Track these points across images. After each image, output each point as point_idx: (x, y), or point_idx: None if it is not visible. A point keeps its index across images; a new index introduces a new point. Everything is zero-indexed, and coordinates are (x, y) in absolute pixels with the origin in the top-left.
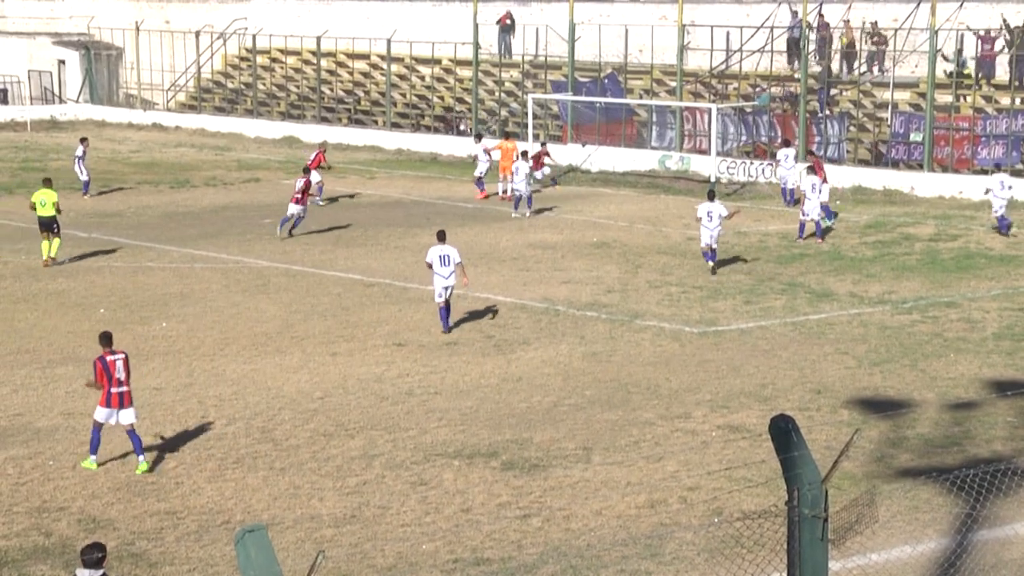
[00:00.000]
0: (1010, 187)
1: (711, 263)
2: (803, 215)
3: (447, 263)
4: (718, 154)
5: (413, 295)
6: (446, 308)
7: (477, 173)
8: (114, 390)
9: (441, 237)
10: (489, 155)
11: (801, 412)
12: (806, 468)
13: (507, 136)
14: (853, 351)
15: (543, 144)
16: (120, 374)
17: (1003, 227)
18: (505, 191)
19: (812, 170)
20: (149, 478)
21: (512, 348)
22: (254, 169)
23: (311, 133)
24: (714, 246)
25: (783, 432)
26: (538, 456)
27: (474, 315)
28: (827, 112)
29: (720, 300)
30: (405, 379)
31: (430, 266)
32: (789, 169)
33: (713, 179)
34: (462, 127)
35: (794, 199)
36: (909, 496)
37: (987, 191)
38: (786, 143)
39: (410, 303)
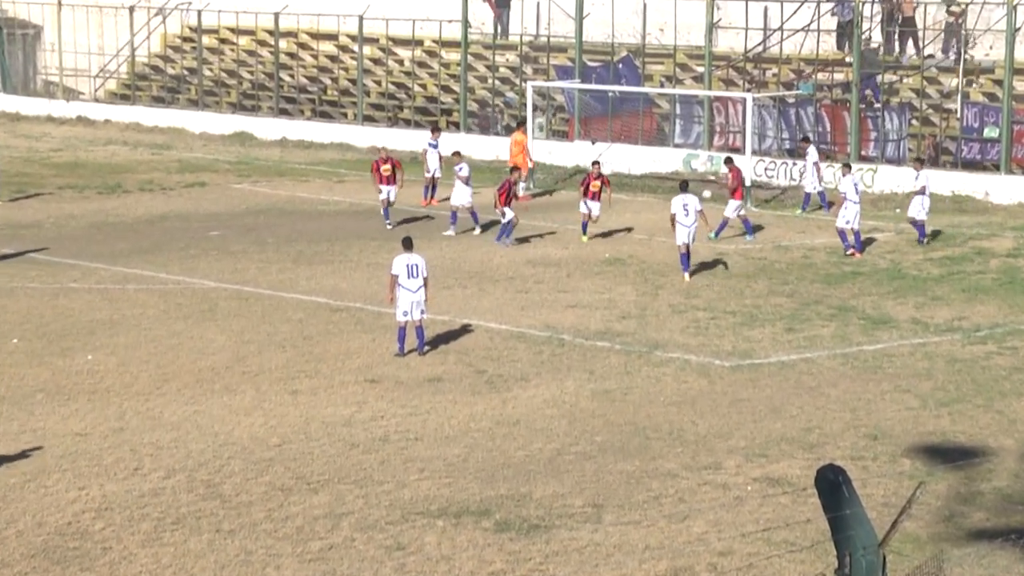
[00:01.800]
0: None
1: (686, 272)
2: (844, 223)
3: (416, 274)
4: (754, 153)
5: (389, 322)
6: (419, 331)
7: (429, 174)
8: None
9: (407, 245)
10: (429, 155)
11: (854, 462)
12: (860, 529)
13: (519, 126)
14: (916, 388)
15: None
16: None
17: None
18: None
19: (848, 168)
20: (71, 542)
21: (508, 385)
22: (199, 171)
23: (267, 128)
24: (691, 245)
25: (832, 486)
26: (539, 515)
27: (463, 346)
28: (883, 102)
29: (757, 327)
30: (379, 422)
31: (395, 279)
32: (807, 171)
33: (748, 182)
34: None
35: (826, 202)
36: (984, 563)
37: None
38: (805, 139)
39: (385, 331)
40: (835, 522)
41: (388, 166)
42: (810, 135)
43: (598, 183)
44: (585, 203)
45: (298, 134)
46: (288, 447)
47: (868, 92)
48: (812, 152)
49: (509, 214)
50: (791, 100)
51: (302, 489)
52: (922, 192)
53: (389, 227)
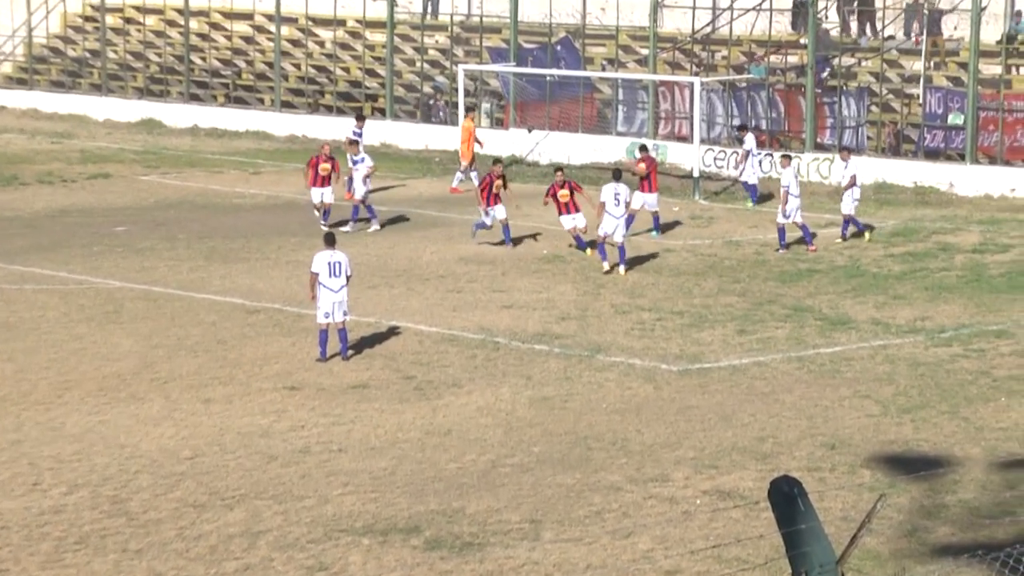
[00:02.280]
0: None
1: (611, 264)
2: (783, 217)
3: (338, 272)
4: (703, 142)
5: (309, 324)
6: (342, 334)
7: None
8: None
9: (329, 241)
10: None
11: (810, 473)
12: (817, 545)
13: (467, 112)
14: (877, 394)
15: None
16: None
17: None
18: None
19: (788, 159)
20: None
21: (439, 392)
22: (103, 162)
23: (177, 115)
24: (620, 240)
25: (787, 499)
26: (472, 532)
27: (389, 350)
28: (840, 87)
29: (706, 329)
30: (300, 433)
31: (315, 277)
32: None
33: (696, 172)
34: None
35: (756, 197)
36: None
37: None
38: (742, 127)
39: (306, 335)
40: (790, 538)
41: (327, 165)
42: (747, 122)
43: (566, 192)
44: (562, 219)
45: (211, 121)
46: (201, 460)
47: (825, 76)
48: (750, 140)
49: (500, 213)
50: (742, 84)
51: (216, 505)
52: (852, 184)
53: (346, 230)
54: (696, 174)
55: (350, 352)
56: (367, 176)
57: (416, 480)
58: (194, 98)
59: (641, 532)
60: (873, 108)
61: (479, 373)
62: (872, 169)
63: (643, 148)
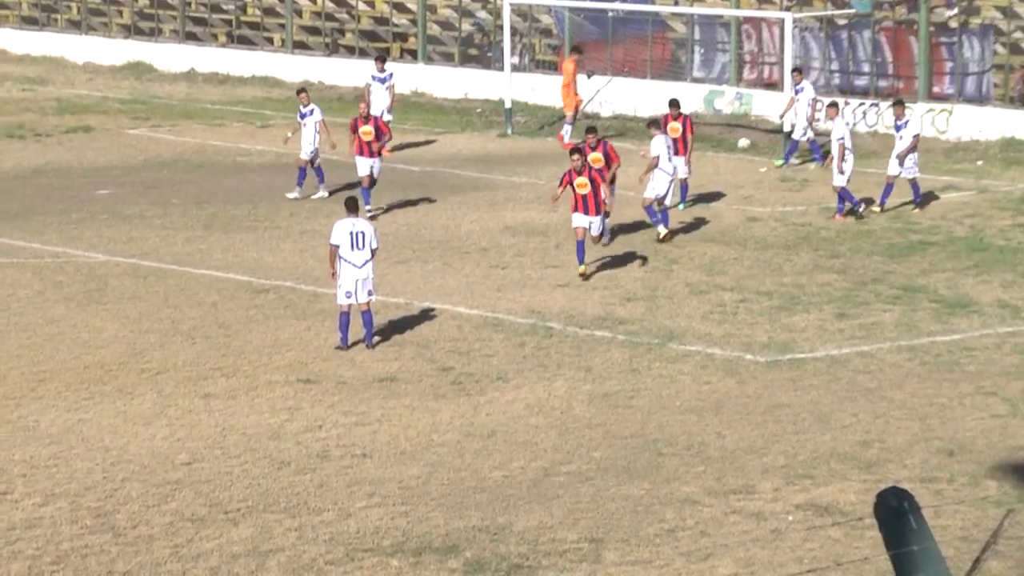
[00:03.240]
0: None
1: (662, 229)
2: (841, 177)
3: (361, 245)
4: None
5: (328, 306)
6: (366, 317)
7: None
8: None
9: (351, 207)
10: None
11: (924, 484)
12: (931, 569)
13: (572, 52)
14: (1003, 391)
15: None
16: None
17: None
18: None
19: (836, 108)
20: None
21: (481, 387)
22: (83, 112)
23: (170, 57)
24: (670, 204)
25: (896, 515)
26: (521, 552)
27: (423, 336)
28: (960, 24)
29: (799, 313)
30: (316, 434)
31: (336, 250)
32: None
33: (787, 127)
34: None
35: (820, 152)
36: None
37: None
38: (797, 71)
39: (324, 318)
40: (900, 561)
41: (369, 128)
42: (801, 65)
43: (585, 182)
44: (574, 217)
45: (210, 65)
46: (199, 466)
47: (946, 10)
48: (807, 88)
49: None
50: (842, 22)
51: (218, 520)
52: (913, 148)
53: (370, 213)
54: (787, 128)
55: (376, 338)
56: (316, 133)
57: (454, 491)
58: (190, 37)
59: (722, 554)
60: (999, 49)
61: (528, 364)
62: (997, 123)
63: (674, 103)
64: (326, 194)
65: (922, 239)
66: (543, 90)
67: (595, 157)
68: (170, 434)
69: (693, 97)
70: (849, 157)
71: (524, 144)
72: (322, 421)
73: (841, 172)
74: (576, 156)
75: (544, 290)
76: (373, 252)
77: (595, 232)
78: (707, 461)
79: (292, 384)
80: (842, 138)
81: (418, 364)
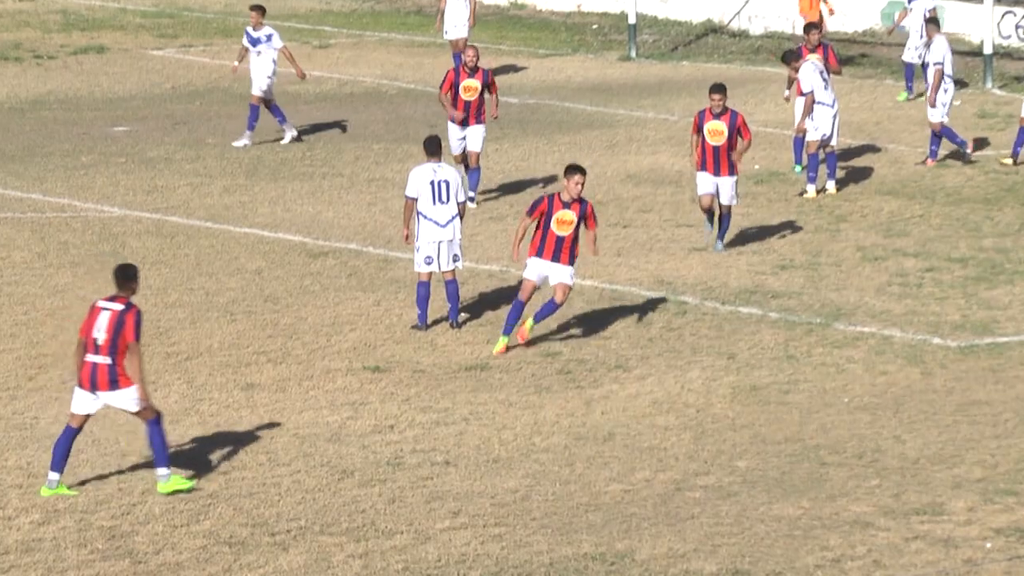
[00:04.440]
0: None
1: (831, 185)
2: (938, 111)
3: (446, 198)
4: (999, 1)
5: (403, 274)
6: (451, 289)
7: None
8: (89, 358)
9: (432, 148)
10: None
11: None
12: None
13: None
14: None
15: None
16: (100, 334)
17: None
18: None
19: (936, 25)
20: None
21: (595, 378)
22: (95, 29)
23: None
24: (835, 143)
25: None
26: None
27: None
28: None
29: (1001, 285)
30: (386, 436)
31: (413, 204)
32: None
33: (988, 48)
34: None
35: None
36: None
37: None
38: None
39: (397, 289)
40: None
41: (475, 82)
42: None
43: (570, 216)
44: (529, 263)
45: None
46: (240, 475)
47: None
48: None
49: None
50: None
51: (262, 544)
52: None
53: (473, 204)
54: (988, 50)
55: (463, 316)
56: (274, 64)
57: (561, 509)
58: None
59: None
60: None
61: (656, 349)
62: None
63: (812, 27)
64: (294, 133)
65: None
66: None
67: (563, 220)
68: (202, 434)
69: (866, 12)
70: (949, 86)
71: (652, 69)
72: (394, 420)
73: (933, 105)
74: (573, 174)
75: (676, 255)
76: (461, 207)
77: (560, 281)
78: (883, 473)
79: (356, 373)
80: (940, 63)
81: (517, 348)
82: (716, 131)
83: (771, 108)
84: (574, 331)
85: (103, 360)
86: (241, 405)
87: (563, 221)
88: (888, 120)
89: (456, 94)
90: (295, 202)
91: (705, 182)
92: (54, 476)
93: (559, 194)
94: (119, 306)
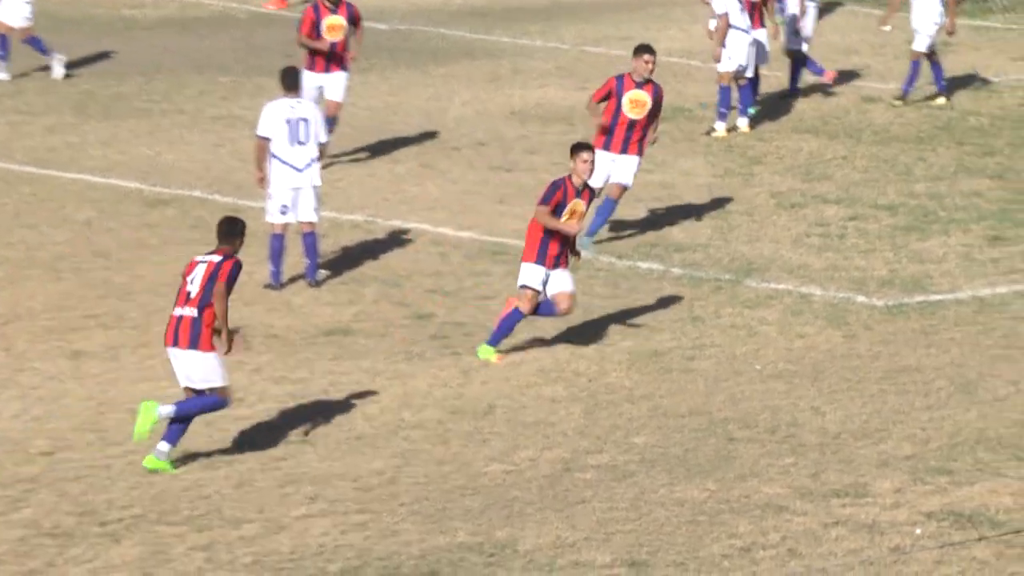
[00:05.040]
0: None
1: (742, 122)
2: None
3: (303, 137)
4: None
5: (253, 226)
6: (309, 242)
7: None
8: (177, 311)
9: (290, 82)
10: None
11: None
12: None
13: None
14: None
15: None
16: (193, 286)
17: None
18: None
19: None
20: None
21: (474, 343)
22: None
23: None
24: (751, 74)
25: None
26: None
27: (390, 270)
28: None
29: (935, 236)
30: (235, 411)
31: (266, 145)
32: None
33: None
34: None
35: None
36: None
37: None
38: None
39: (246, 243)
40: None
41: (338, 18)
42: None
43: (583, 207)
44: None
45: None
46: (65, 457)
47: None
48: None
49: None
50: None
51: (91, 534)
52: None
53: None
54: None
55: (323, 273)
56: None
57: (434, 493)
58: None
59: None
60: None
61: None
62: None
63: None
64: (62, 70)
65: None
66: None
67: (638, 99)
68: (22, 411)
69: None
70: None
71: None
72: (243, 392)
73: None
74: (579, 151)
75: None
76: (321, 148)
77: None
78: (799, 450)
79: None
80: None
81: (383, 310)
82: (639, 102)
83: (675, 34)
84: (450, 290)
85: (189, 312)
86: (67, 376)
87: (577, 212)
88: (810, 48)
89: (318, 34)
90: (130, 143)
91: (601, 165)
92: (165, 447)
93: (569, 178)
94: (217, 257)
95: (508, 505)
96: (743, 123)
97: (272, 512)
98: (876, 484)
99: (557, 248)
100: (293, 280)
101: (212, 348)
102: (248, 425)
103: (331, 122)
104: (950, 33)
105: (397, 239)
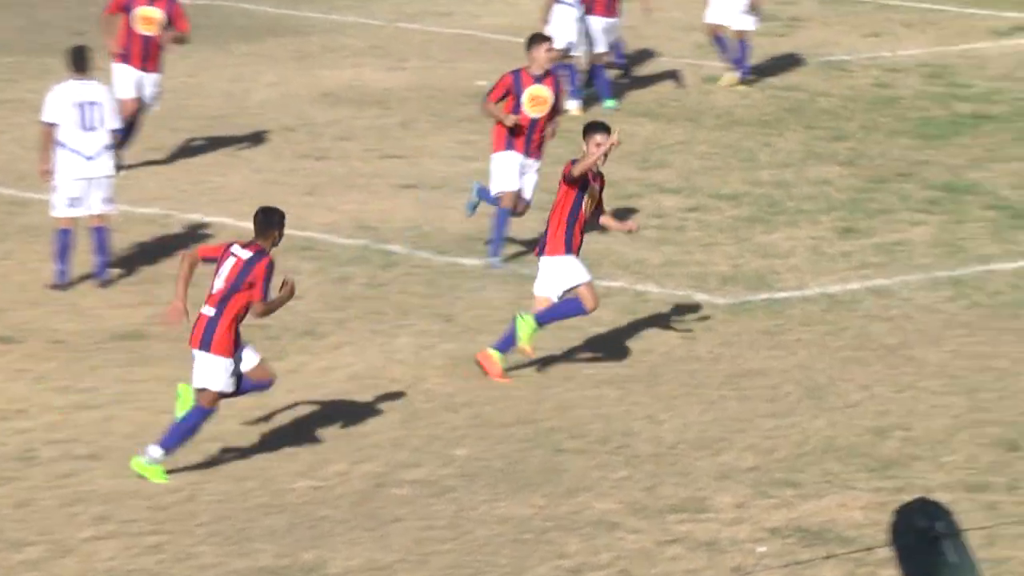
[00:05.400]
0: None
1: (573, 95)
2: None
3: (93, 123)
4: None
5: (38, 220)
6: (99, 237)
7: None
8: (204, 310)
9: (79, 63)
10: None
11: (972, 495)
12: None
13: None
14: None
15: None
16: (219, 281)
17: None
18: None
19: None
20: None
21: (281, 347)
22: None
23: None
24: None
25: (926, 542)
26: None
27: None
28: None
29: (781, 228)
30: (15, 424)
31: (51, 130)
32: None
33: None
34: None
35: None
36: None
37: None
38: None
39: (29, 239)
40: None
41: (154, 10)
42: None
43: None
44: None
45: None
46: None
47: None
48: None
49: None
50: None
51: None
52: None
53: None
54: None
55: (114, 272)
56: None
57: (235, 511)
58: None
59: None
60: None
61: (355, 311)
62: None
63: None
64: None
65: (975, 111)
66: None
67: (539, 95)
68: None
69: None
70: None
71: None
72: (25, 403)
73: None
74: (595, 134)
75: (381, 194)
76: (114, 135)
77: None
78: (633, 462)
79: None
80: None
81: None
82: (540, 98)
83: (501, 9)
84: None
85: (207, 311)
86: None
87: (594, 198)
88: (644, 24)
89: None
90: None
91: (511, 169)
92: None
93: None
94: (248, 253)
95: (316, 524)
96: (573, 105)
97: (57, 534)
98: (716, 498)
99: (581, 237)
100: (81, 279)
101: (226, 354)
102: (31, 439)
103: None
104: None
105: (196, 234)
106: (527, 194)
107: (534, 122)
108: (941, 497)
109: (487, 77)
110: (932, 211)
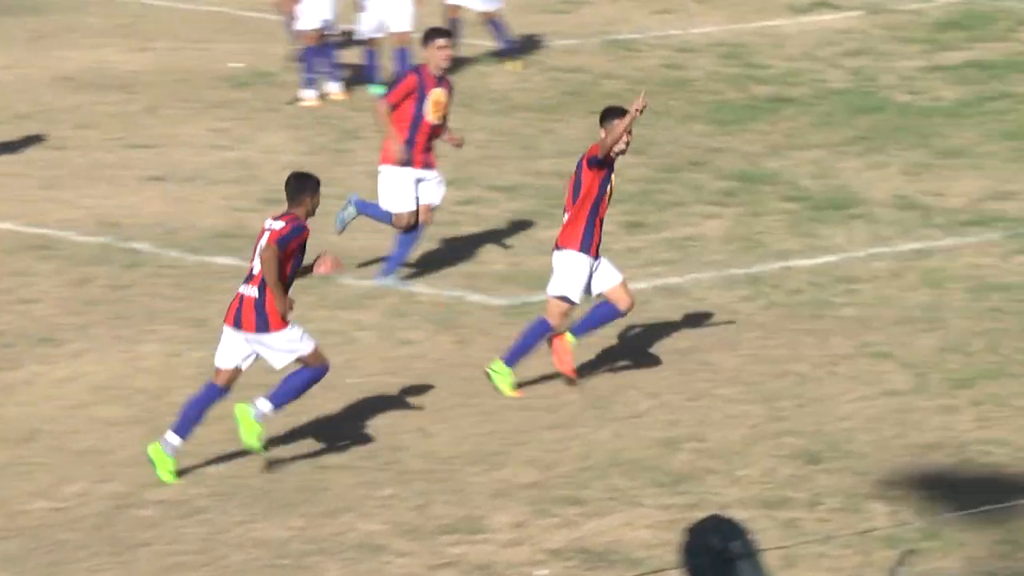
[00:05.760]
0: None
1: (333, 77)
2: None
3: None
4: None
5: None
6: None
7: None
8: (242, 289)
9: None
10: None
11: (769, 512)
12: None
13: None
14: (906, 349)
15: None
16: (257, 260)
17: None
18: None
19: None
20: None
21: (14, 356)
22: None
23: None
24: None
25: (719, 562)
26: None
27: None
28: None
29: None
30: None
31: None
32: None
33: None
34: None
35: None
36: None
37: None
38: None
39: None
40: None
41: None
42: None
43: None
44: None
45: None
46: None
47: None
48: None
49: None
50: None
51: None
52: None
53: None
54: None
55: None
56: None
57: None
58: None
59: None
60: None
61: (96, 316)
62: None
63: None
64: None
65: (774, 93)
66: None
67: (440, 99)
68: None
69: None
70: None
71: None
72: None
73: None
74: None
75: (127, 187)
76: None
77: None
78: (402, 478)
79: None
80: None
81: None
82: (440, 103)
83: None
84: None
85: (250, 292)
86: None
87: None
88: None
89: None
90: None
91: (408, 184)
92: (175, 439)
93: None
94: (280, 224)
95: (54, 549)
96: (336, 88)
97: None
98: (492, 518)
99: (599, 237)
100: None
101: (282, 325)
102: None
103: None
104: None
105: None
106: (435, 201)
107: (434, 128)
108: (736, 514)
109: (242, 59)
110: (727, 203)
